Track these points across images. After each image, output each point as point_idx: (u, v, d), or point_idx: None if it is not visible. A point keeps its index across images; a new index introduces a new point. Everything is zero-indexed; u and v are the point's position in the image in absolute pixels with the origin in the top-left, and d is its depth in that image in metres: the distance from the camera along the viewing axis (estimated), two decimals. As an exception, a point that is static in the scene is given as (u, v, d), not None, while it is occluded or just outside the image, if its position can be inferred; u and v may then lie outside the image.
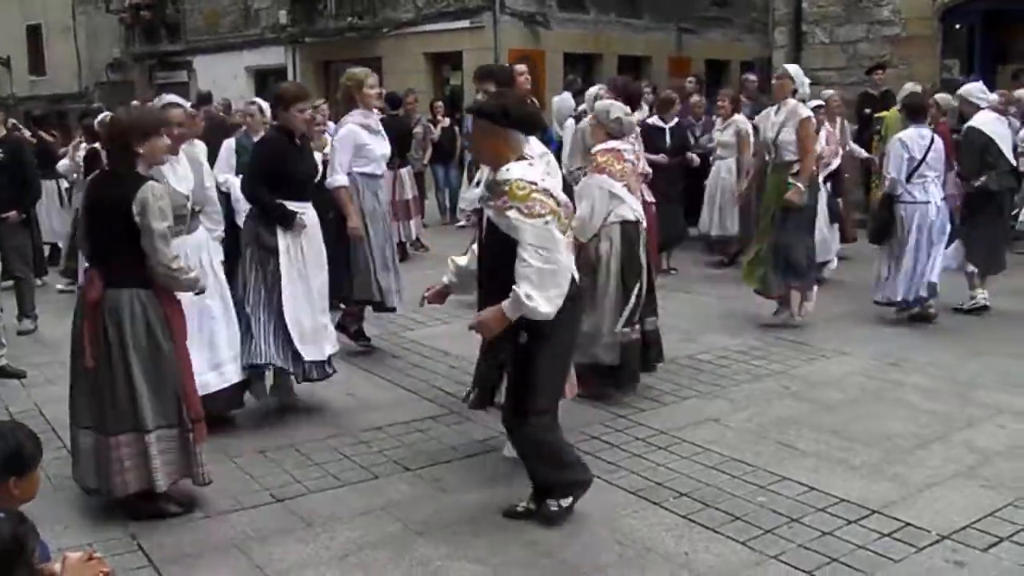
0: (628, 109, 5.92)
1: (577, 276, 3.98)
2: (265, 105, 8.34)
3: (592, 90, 7.41)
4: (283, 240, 5.46)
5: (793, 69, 7.59)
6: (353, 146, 6.52)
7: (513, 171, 3.80)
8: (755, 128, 9.87)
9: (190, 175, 5.14)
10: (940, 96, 9.15)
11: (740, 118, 10.09)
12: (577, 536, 4.01)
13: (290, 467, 4.83)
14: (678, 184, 9.85)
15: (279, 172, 5.50)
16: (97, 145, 8.16)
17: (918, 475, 4.57)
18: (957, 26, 12.92)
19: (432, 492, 4.52)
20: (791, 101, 7.27)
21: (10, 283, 7.93)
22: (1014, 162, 7.85)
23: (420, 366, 6.65)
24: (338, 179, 6.49)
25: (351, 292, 6.61)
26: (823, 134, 8.23)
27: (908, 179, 7.24)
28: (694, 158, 10.09)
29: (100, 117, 8.88)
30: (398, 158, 10.13)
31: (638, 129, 6.76)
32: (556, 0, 18.74)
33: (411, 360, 6.81)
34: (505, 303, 3.75)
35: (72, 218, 9.33)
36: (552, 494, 4.08)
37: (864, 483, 4.49)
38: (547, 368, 3.91)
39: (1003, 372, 6.14)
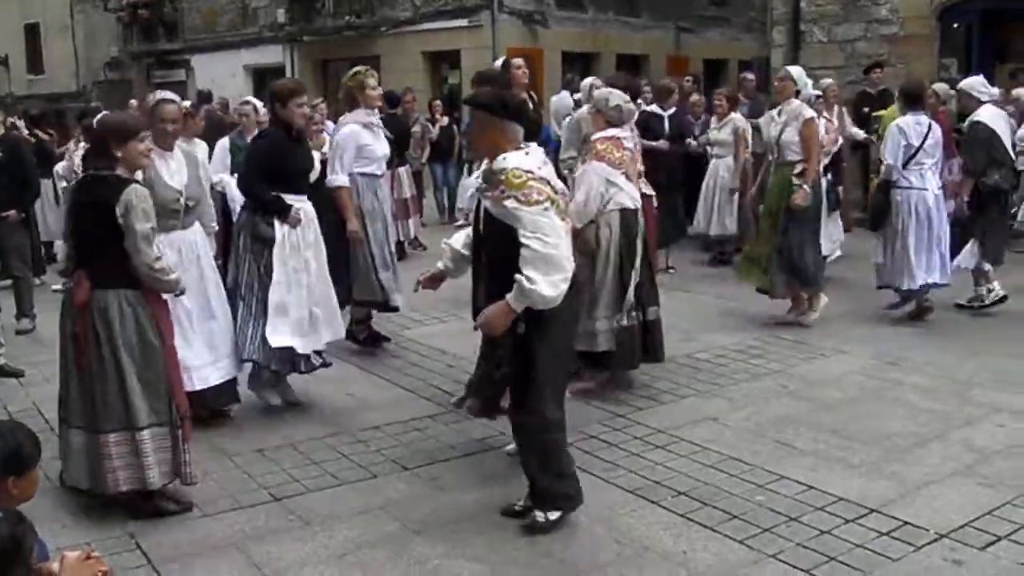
0: (627, 97, 5.92)
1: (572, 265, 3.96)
2: (259, 104, 8.35)
3: (587, 81, 7.40)
4: (279, 231, 5.47)
5: (795, 71, 7.58)
6: (356, 146, 6.52)
7: (509, 160, 3.81)
8: (755, 128, 9.93)
9: (184, 170, 5.18)
10: (939, 85, 9.10)
11: (737, 116, 10.08)
12: (575, 535, 4.01)
13: (288, 466, 4.83)
14: (678, 174, 9.88)
15: (277, 168, 5.52)
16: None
17: (916, 474, 4.57)
18: (955, 25, 12.93)
19: (430, 491, 4.52)
20: (794, 102, 7.27)
21: (8, 282, 7.94)
22: (1013, 159, 7.86)
23: (418, 365, 6.65)
24: (339, 179, 6.47)
25: (353, 294, 6.60)
26: (821, 123, 8.23)
27: (905, 166, 7.24)
28: (691, 142, 10.26)
29: (98, 116, 8.86)
30: (396, 157, 10.12)
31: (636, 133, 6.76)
32: (554, -1, 18.79)
33: (409, 359, 6.80)
34: (509, 296, 3.74)
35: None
36: (543, 504, 4.04)
37: (862, 482, 4.49)
38: (547, 361, 3.89)
39: (1001, 371, 6.14)
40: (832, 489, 4.39)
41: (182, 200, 5.10)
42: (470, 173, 12.74)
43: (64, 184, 10.40)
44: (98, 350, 4.10)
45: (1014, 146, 8.06)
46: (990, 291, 7.66)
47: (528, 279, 3.68)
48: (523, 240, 3.70)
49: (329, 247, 5.87)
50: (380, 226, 6.66)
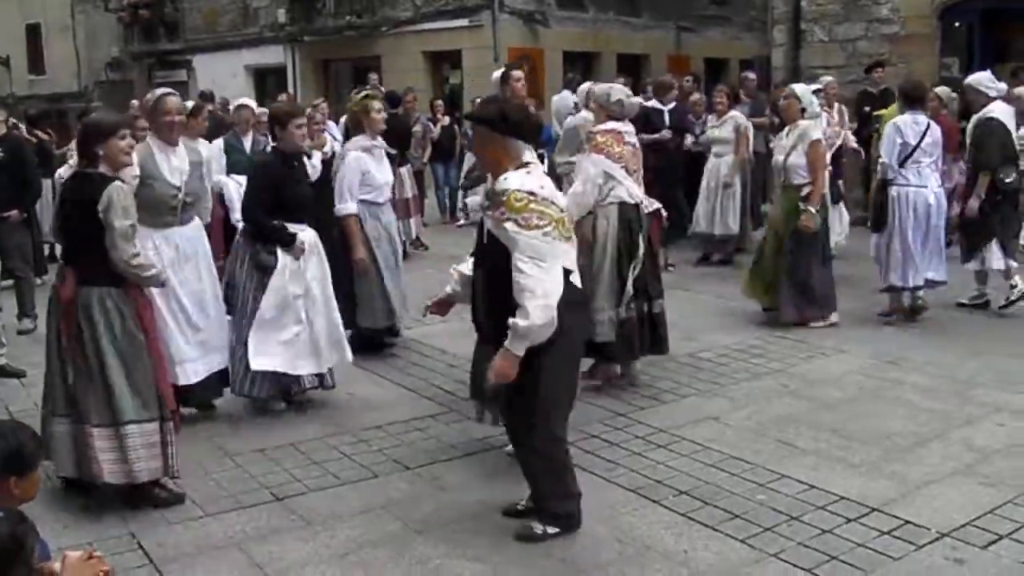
0: (629, 91, 5.92)
1: (578, 281, 3.91)
2: (253, 104, 8.42)
3: (584, 86, 7.41)
4: (281, 259, 5.46)
5: (800, 88, 7.52)
6: (360, 173, 6.50)
7: (511, 181, 3.71)
8: (756, 127, 9.94)
9: (185, 167, 5.19)
10: (941, 89, 9.11)
11: (737, 114, 10.08)
12: (576, 534, 4.00)
13: (290, 466, 4.84)
14: (679, 167, 9.88)
15: (275, 198, 5.48)
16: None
17: (917, 473, 4.57)
18: (956, 24, 12.91)
19: (431, 490, 4.53)
20: (801, 123, 7.22)
21: (10, 282, 7.94)
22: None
23: (419, 364, 6.65)
24: (347, 207, 6.46)
25: (357, 320, 6.58)
26: (823, 120, 8.22)
27: (902, 164, 7.23)
28: (690, 138, 10.31)
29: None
30: (398, 157, 10.13)
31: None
32: (555, -2, 18.79)
33: (410, 359, 6.81)
34: (506, 342, 3.63)
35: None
36: (541, 515, 4.00)
37: (863, 481, 4.49)
38: (550, 375, 3.77)
39: (1002, 371, 6.14)
40: (833, 488, 4.40)
41: (180, 196, 5.12)
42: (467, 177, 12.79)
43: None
44: (81, 347, 4.16)
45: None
46: (1013, 287, 7.61)
47: (521, 316, 3.58)
48: (517, 263, 3.61)
49: (335, 273, 5.87)
50: (388, 249, 6.67)
